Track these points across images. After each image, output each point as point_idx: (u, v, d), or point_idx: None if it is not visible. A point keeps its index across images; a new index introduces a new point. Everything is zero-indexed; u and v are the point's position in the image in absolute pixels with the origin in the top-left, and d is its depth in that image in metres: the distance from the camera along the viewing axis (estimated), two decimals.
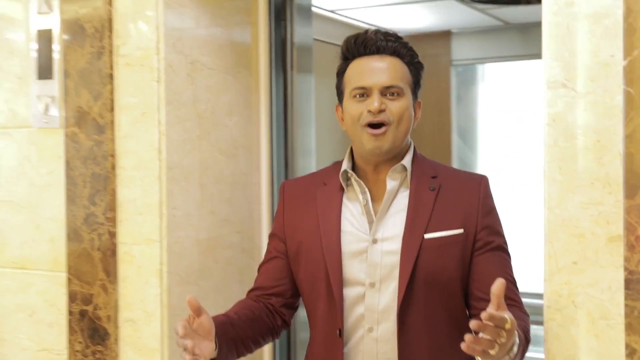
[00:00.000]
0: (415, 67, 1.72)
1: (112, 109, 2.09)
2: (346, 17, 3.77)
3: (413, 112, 1.70)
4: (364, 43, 1.69)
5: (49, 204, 2.20)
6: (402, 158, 1.69)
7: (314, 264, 1.69)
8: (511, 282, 1.63)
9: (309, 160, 2.59)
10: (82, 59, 2.12)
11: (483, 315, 1.31)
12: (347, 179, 1.73)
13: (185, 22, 2.12)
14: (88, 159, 2.11)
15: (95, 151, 2.10)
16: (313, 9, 2.76)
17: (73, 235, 2.13)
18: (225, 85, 2.26)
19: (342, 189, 1.72)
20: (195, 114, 2.15)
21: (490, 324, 1.30)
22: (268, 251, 1.82)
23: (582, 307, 1.56)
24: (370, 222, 1.67)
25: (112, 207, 2.08)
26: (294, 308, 1.82)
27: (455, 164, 4.19)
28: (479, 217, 1.66)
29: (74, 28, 2.14)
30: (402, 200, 1.68)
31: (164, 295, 2.04)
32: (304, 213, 1.74)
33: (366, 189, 1.69)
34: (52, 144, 2.19)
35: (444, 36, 4.17)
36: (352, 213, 1.70)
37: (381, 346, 1.64)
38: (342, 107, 1.74)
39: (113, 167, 2.08)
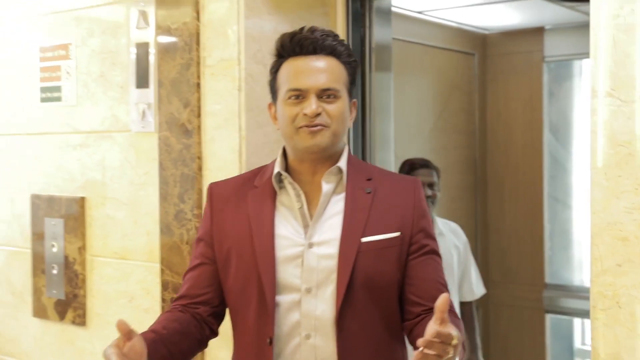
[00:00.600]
0: (351, 65, 1.68)
1: (199, 115, 2.29)
2: (434, 17, 3.84)
3: (349, 113, 1.67)
4: (300, 42, 1.64)
5: (145, 201, 2.44)
6: (337, 160, 1.66)
7: (245, 270, 1.64)
8: (444, 287, 1.66)
9: (388, 156, 2.70)
10: (174, 70, 2.33)
11: (429, 332, 1.34)
12: (280, 181, 1.68)
13: (264, 33, 2.29)
14: (178, 161, 2.32)
15: (184, 154, 2.31)
16: (395, 9, 2.86)
17: (165, 229, 2.36)
18: None
19: (275, 192, 1.67)
20: None
21: (437, 340, 1.33)
22: (194, 257, 1.76)
23: (625, 308, 1.61)
24: (306, 226, 1.64)
25: (198, 204, 2.28)
26: (221, 316, 1.76)
27: (547, 162, 4.18)
28: (415, 220, 1.65)
29: (167, 41, 2.35)
30: (338, 204, 1.65)
31: None
32: (234, 217, 1.68)
33: (301, 192, 1.65)
34: (148, 146, 2.42)
35: (536, 33, 4.15)
36: (286, 217, 1.65)
37: (319, 352, 1.60)
38: (275, 105, 1.70)
39: (200, 168, 2.29)
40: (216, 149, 2.27)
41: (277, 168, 1.68)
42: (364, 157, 2.59)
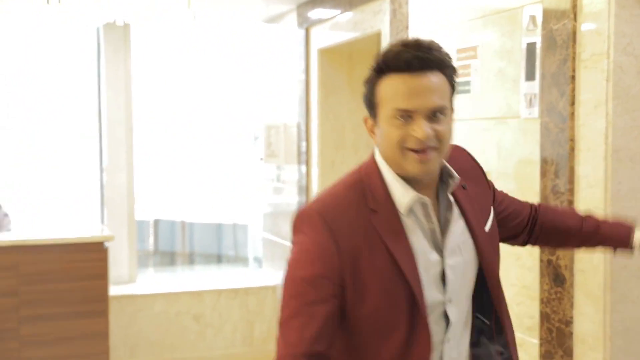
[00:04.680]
0: (453, 74, 1.62)
1: (572, 104, 2.64)
2: None
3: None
4: (407, 60, 1.53)
5: (529, 176, 2.87)
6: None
7: (390, 300, 1.58)
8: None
9: None
10: (553, 65, 2.72)
11: None
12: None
13: (635, 28, 2.53)
14: (555, 143, 2.71)
15: (559, 137, 2.68)
16: None
17: (544, 201, 2.77)
18: None
19: (397, 212, 1.61)
20: None
21: None
22: (313, 297, 1.54)
23: None
24: (435, 242, 1.65)
25: (570, 180, 2.64)
26: None
27: None
28: (492, 191, 1.88)
29: (549, 41, 2.75)
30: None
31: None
32: (367, 246, 1.57)
33: (432, 213, 1.64)
34: (532, 130, 2.85)
35: None
36: (419, 237, 1.63)
37: (454, 351, 1.69)
38: (374, 120, 1.63)
39: (572, 149, 2.64)
40: (586, 132, 2.59)
41: (411, 195, 1.62)
42: None
